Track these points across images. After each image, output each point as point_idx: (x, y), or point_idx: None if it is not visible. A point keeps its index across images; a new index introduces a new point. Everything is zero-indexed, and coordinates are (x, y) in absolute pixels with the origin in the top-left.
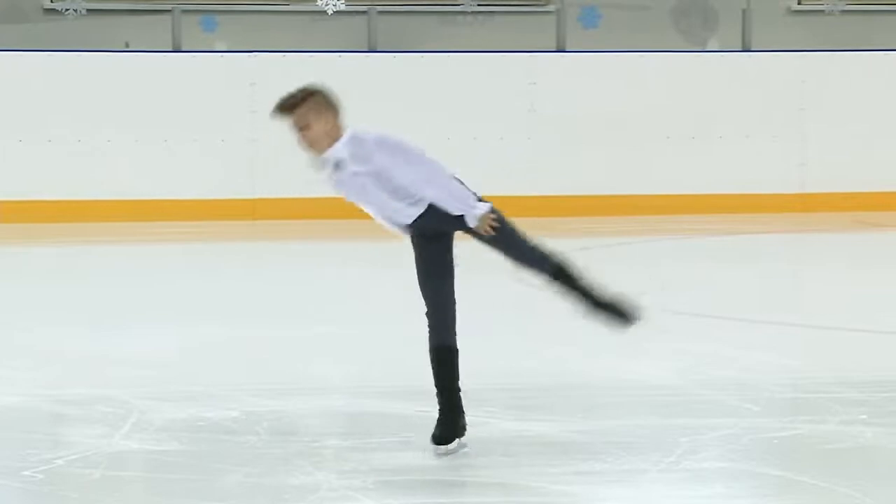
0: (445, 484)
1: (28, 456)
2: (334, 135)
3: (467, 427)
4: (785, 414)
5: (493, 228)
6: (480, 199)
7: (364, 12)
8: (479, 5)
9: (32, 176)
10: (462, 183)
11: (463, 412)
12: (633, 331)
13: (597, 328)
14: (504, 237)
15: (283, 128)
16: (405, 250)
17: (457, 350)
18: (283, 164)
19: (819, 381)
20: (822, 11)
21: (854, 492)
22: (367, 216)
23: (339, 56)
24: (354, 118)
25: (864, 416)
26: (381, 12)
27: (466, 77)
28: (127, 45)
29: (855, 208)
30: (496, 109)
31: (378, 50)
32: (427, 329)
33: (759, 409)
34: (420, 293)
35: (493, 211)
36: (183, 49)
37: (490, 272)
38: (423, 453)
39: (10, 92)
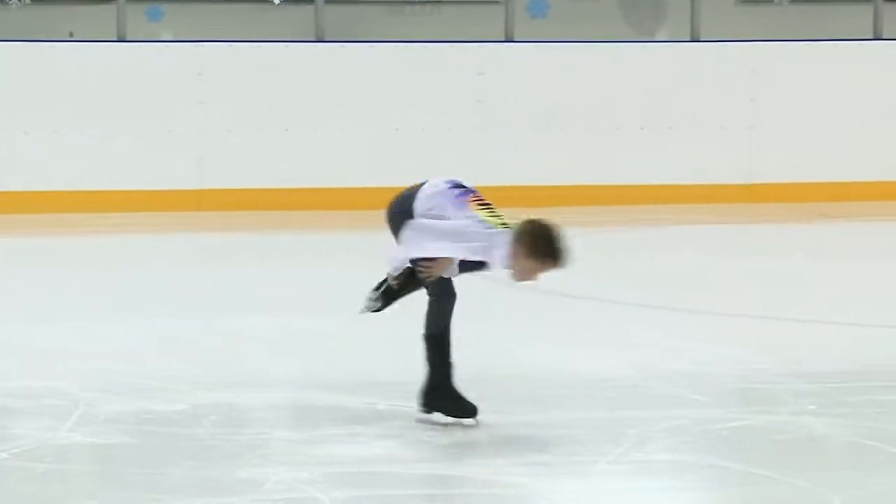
0: (392, 476)
1: None
2: None
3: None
4: (735, 405)
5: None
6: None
7: (311, 2)
8: None
9: None
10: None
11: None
12: (584, 322)
13: (550, 320)
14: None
15: (231, 118)
16: (351, 242)
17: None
18: (230, 155)
19: (771, 373)
20: (770, 1)
21: (804, 482)
22: (314, 204)
23: (286, 46)
24: (303, 107)
25: (814, 407)
26: (328, 2)
27: (415, 68)
28: (71, 35)
29: (805, 199)
30: (444, 100)
31: (326, 40)
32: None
33: (710, 400)
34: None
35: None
36: (128, 39)
37: None
38: (370, 446)
39: None
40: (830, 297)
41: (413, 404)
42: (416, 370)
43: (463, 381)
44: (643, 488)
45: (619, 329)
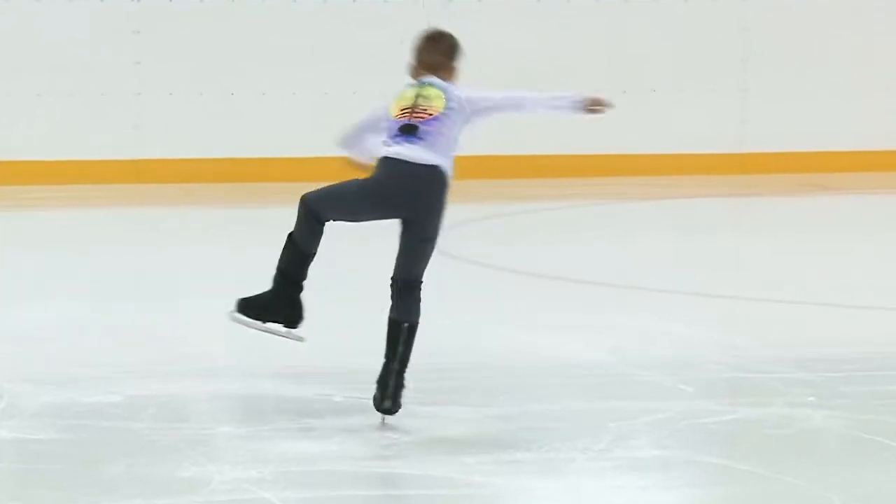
0: (349, 475)
1: None
2: None
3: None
4: (724, 396)
5: None
6: None
7: None
8: None
9: None
10: None
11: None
12: (560, 305)
13: (521, 302)
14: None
15: (170, 80)
16: (289, 216)
17: None
18: (170, 121)
19: (762, 360)
20: None
21: (799, 480)
22: (254, 177)
23: (231, 1)
24: (252, 72)
25: (812, 399)
26: None
27: (362, 25)
28: None
29: (801, 170)
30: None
31: None
32: (408, 302)
33: (697, 390)
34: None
35: None
36: None
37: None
38: (325, 441)
39: None
40: (827, 276)
41: (367, 395)
42: (377, 358)
43: (429, 371)
44: (625, 487)
45: (597, 312)
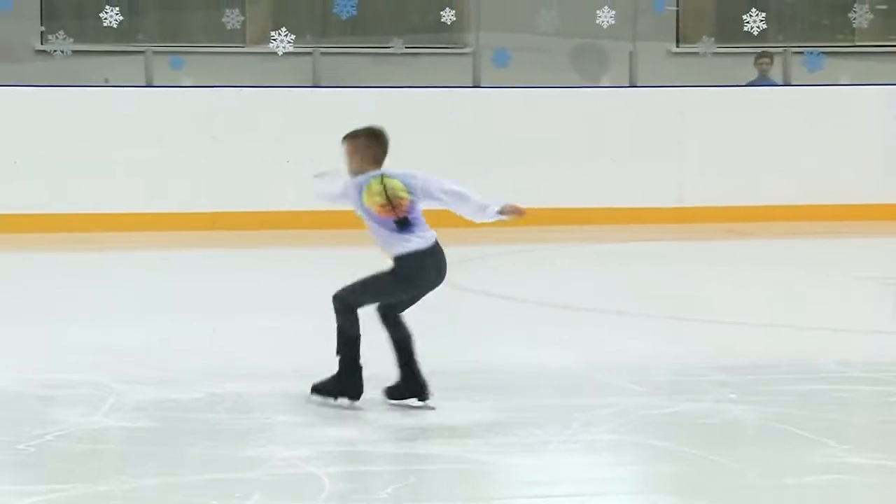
0: (375, 455)
1: (21, 432)
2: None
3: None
4: (666, 394)
5: None
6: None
7: (309, 53)
8: (406, 48)
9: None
10: None
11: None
12: (537, 324)
13: (508, 323)
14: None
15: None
16: (330, 256)
17: None
18: (240, 180)
19: (695, 366)
20: (696, 53)
21: (723, 459)
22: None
23: (289, 91)
24: (300, 147)
25: (733, 396)
26: (323, 53)
27: (396, 109)
28: (107, 81)
29: (725, 220)
30: (422, 137)
31: (321, 85)
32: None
33: (644, 389)
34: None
35: None
36: (154, 84)
37: None
38: (359, 429)
39: (5, 123)
40: (744, 303)
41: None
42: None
43: (438, 374)
44: (588, 464)
45: (569, 330)
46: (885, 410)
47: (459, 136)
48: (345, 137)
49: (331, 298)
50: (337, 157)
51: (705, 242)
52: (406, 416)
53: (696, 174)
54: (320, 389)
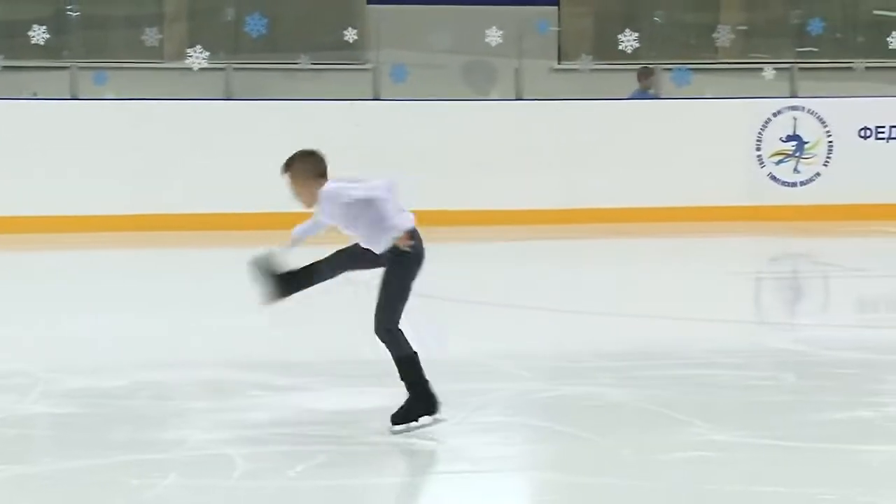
0: (286, 437)
1: None
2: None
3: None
4: (551, 379)
5: None
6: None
7: (223, 69)
8: (312, 64)
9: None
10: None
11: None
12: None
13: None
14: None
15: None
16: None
17: None
18: (159, 185)
19: (578, 354)
20: (576, 70)
21: (602, 438)
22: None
23: (204, 103)
24: (216, 153)
25: (610, 381)
26: (236, 69)
27: (303, 120)
28: (35, 95)
29: (608, 220)
30: (327, 147)
31: (234, 98)
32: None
33: (531, 375)
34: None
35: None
36: (80, 97)
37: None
38: (271, 415)
39: None
40: (623, 296)
41: (307, 380)
42: (319, 353)
43: (347, 363)
44: (481, 443)
45: (465, 321)
46: (746, 393)
47: (362, 145)
48: (282, 171)
49: (375, 334)
50: (247, 159)
51: (592, 241)
52: (316, 402)
53: (581, 178)
54: (401, 418)
